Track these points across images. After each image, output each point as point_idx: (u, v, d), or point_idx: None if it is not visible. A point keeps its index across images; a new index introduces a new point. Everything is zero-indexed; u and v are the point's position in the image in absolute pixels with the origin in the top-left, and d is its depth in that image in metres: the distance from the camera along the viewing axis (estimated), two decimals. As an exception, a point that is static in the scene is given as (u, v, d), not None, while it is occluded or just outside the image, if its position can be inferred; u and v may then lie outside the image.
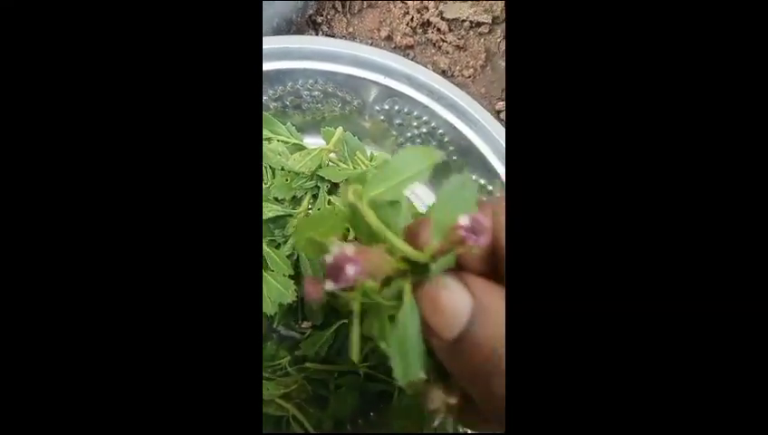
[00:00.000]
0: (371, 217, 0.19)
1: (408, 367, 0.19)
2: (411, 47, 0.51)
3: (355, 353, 0.19)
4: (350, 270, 0.16)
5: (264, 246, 0.37)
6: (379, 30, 0.51)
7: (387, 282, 0.19)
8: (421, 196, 0.44)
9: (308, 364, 0.39)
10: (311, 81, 0.40)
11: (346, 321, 0.39)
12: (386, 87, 0.41)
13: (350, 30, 0.51)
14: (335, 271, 0.16)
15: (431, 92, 0.40)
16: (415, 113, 0.41)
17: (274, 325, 0.40)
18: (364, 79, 0.41)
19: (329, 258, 0.17)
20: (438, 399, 0.21)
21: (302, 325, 0.40)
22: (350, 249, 0.17)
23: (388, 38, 0.51)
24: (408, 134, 0.43)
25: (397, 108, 0.41)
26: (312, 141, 0.43)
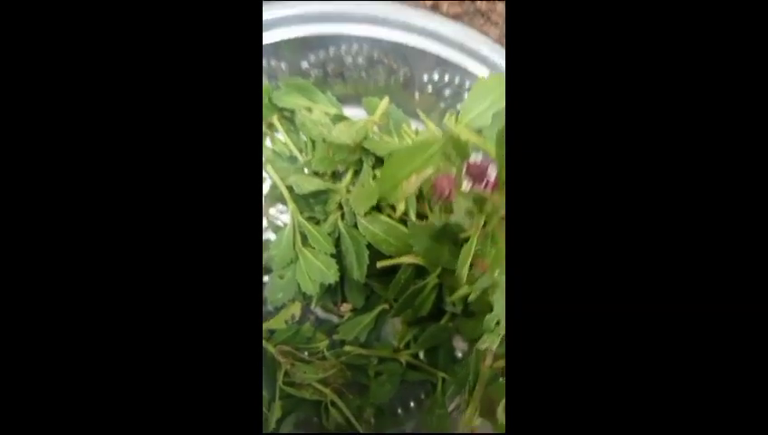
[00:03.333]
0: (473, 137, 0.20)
1: None
2: (459, 17, 0.48)
3: (464, 271, 0.21)
4: (494, 174, 0.17)
5: (305, 222, 0.35)
6: (424, -3, 0.48)
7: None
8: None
9: (347, 348, 0.36)
10: (355, 46, 0.38)
11: (387, 306, 0.37)
12: (435, 55, 0.38)
13: (394, -3, 0.48)
14: (478, 171, 0.17)
15: (484, 61, 0.37)
16: (467, 84, 0.38)
17: (312, 306, 0.38)
18: (411, 46, 0.38)
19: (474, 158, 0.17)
20: None
21: (342, 308, 0.38)
22: None
23: (434, 7, 0.48)
24: (459, 106, 0.40)
25: (447, 78, 0.38)
26: (353, 113, 0.40)
